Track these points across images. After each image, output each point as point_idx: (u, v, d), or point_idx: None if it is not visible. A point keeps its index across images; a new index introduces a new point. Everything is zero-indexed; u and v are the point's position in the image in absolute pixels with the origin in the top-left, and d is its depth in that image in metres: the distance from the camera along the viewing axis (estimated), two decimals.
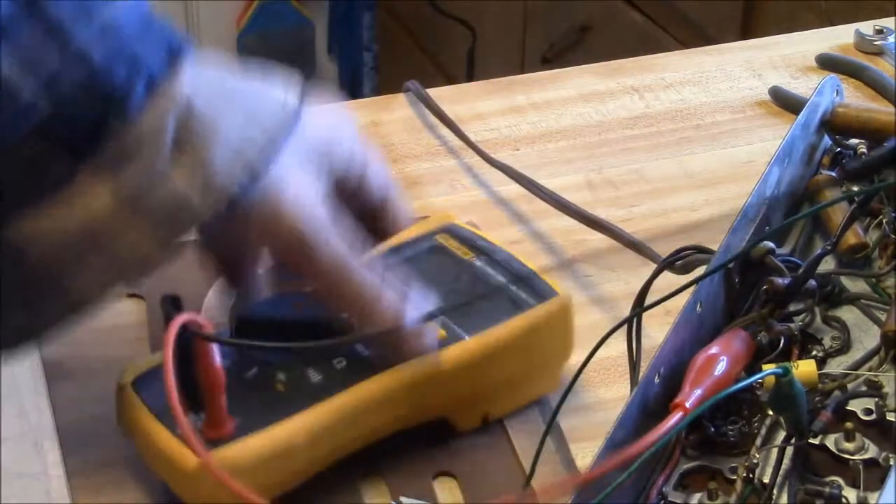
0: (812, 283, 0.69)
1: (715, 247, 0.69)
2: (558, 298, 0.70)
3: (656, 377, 0.63)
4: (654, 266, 0.71)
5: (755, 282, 0.70)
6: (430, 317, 0.67)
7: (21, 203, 0.59)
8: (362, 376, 0.65)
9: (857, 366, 0.66)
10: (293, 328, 0.67)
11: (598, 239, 0.83)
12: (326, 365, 0.66)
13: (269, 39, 2.42)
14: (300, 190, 0.64)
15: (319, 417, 0.64)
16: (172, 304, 0.61)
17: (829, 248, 0.71)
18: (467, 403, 0.69)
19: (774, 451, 0.62)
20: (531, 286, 0.70)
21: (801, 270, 0.68)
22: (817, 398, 0.65)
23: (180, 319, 0.60)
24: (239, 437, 0.62)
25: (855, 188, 0.78)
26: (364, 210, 0.70)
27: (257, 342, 0.65)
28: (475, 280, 0.71)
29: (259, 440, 0.63)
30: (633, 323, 0.66)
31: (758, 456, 0.62)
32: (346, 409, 0.65)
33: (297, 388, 0.65)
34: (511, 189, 0.87)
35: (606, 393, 0.73)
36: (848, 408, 0.64)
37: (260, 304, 0.69)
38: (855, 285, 0.72)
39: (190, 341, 0.61)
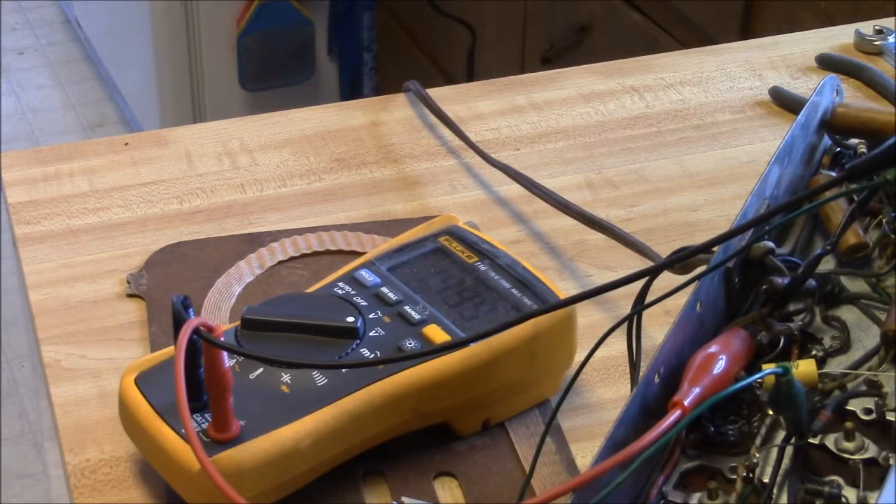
0: (812, 282, 0.69)
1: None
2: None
3: (656, 377, 0.63)
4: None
5: (755, 281, 0.70)
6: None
7: None
8: (367, 381, 0.65)
9: (857, 365, 0.66)
10: (300, 329, 0.67)
11: (598, 239, 0.83)
12: (331, 368, 0.66)
13: (269, 39, 2.42)
14: None
15: (324, 421, 0.64)
16: (183, 306, 0.61)
17: (828, 247, 0.71)
18: (469, 409, 0.69)
19: (774, 451, 0.62)
20: (535, 291, 0.70)
21: (800, 270, 0.68)
22: (817, 398, 0.65)
23: (193, 323, 0.60)
24: (244, 440, 0.62)
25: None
26: None
27: (268, 355, 0.65)
28: (478, 284, 0.71)
29: (264, 443, 0.63)
30: (632, 322, 0.66)
31: (758, 455, 0.62)
32: (351, 414, 0.65)
33: (302, 391, 0.65)
34: (511, 189, 0.87)
35: (606, 393, 0.73)
36: (848, 407, 0.64)
37: (267, 304, 0.69)
38: (855, 285, 0.72)
39: (198, 342, 0.61)
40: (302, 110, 0.96)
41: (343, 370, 0.66)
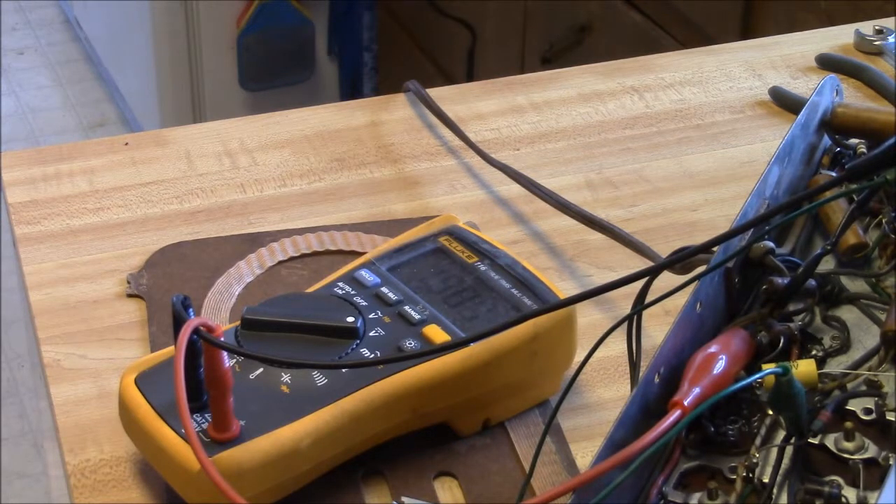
0: (812, 282, 0.69)
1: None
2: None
3: (656, 377, 0.63)
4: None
5: (755, 281, 0.70)
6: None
7: None
8: (367, 381, 0.65)
9: (857, 365, 0.66)
10: (300, 329, 0.67)
11: (598, 239, 0.83)
12: (331, 368, 0.66)
13: (269, 39, 2.42)
14: None
15: (324, 421, 0.64)
16: (183, 306, 0.61)
17: (828, 247, 0.71)
18: (469, 409, 0.69)
19: (774, 451, 0.62)
20: (535, 291, 0.70)
21: (800, 270, 0.68)
22: (817, 398, 0.65)
23: (193, 323, 0.60)
24: (244, 440, 0.62)
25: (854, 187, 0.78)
26: None
27: (268, 355, 0.65)
28: (478, 284, 0.71)
29: (264, 443, 0.63)
30: (632, 322, 0.66)
31: (757, 455, 0.62)
32: (351, 414, 0.65)
33: (302, 391, 0.65)
34: (511, 189, 0.87)
35: (606, 393, 0.73)
36: (848, 407, 0.64)
37: (267, 304, 0.69)
38: (855, 285, 0.72)
39: (198, 342, 0.61)
40: (302, 110, 0.96)
41: (343, 370, 0.66)
